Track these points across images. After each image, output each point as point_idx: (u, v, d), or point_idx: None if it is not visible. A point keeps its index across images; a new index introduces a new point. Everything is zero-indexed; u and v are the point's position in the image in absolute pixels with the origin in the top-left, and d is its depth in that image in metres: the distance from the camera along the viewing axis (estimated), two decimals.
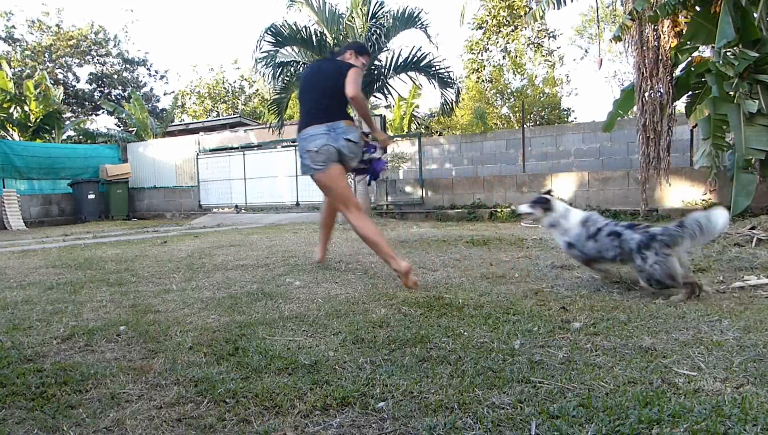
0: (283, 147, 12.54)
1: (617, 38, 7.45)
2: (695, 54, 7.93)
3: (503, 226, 7.88)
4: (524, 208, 3.53)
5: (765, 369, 1.77)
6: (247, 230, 8.43)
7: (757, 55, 6.17)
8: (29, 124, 15.75)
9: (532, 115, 18.92)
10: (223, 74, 28.91)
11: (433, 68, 10.22)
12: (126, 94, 24.41)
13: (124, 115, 18.41)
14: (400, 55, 10.03)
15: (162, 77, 31.37)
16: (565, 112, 20.48)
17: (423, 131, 19.38)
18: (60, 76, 23.89)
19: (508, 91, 20.21)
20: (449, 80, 10.41)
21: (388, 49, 10.07)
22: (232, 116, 20.16)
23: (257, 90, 27.01)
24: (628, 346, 2.05)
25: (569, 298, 2.88)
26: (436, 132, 20.23)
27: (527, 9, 17.40)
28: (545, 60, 21.53)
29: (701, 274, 3.43)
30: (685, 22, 7.29)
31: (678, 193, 8.64)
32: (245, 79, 27.63)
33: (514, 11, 19.75)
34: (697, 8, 6.97)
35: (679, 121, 8.52)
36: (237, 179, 13.44)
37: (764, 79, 6.27)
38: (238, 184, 13.44)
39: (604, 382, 1.71)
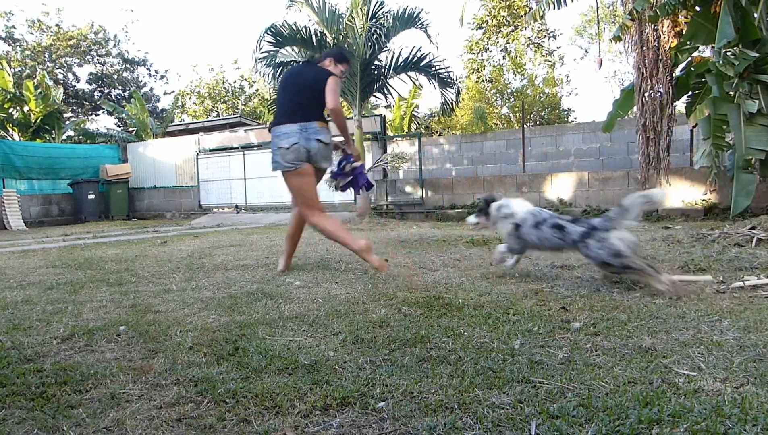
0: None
1: (617, 38, 7.46)
2: (695, 54, 7.94)
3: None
4: (471, 220, 3.80)
5: (765, 369, 1.77)
6: (247, 230, 8.43)
7: (757, 55, 6.17)
8: (29, 124, 15.75)
9: (532, 115, 18.92)
10: (223, 74, 28.95)
11: (433, 68, 10.23)
12: (126, 94, 24.42)
13: (124, 115, 18.41)
14: (400, 55, 10.04)
15: (162, 77, 31.39)
16: (565, 112, 20.48)
17: (423, 131, 19.38)
18: (60, 76, 23.88)
19: (508, 91, 20.21)
20: (449, 80, 10.42)
21: (388, 49, 10.08)
22: (232, 116, 20.16)
23: (257, 90, 27.01)
24: (628, 346, 2.05)
25: (569, 298, 2.88)
26: (436, 132, 20.23)
27: (527, 9, 17.41)
28: (545, 60, 21.54)
29: (701, 274, 3.43)
30: (685, 22, 7.29)
31: (678, 193, 8.64)
32: (245, 79, 27.64)
33: (514, 11, 19.76)
34: (697, 8, 6.98)
35: (679, 121, 8.52)
36: (237, 179, 13.45)
37: (764, 79, 6.27)
38: (238, 184, 13.45)
39: (604, 382, 1.71)
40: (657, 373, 1.77)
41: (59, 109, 16.73)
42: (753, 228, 4.86)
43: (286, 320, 2.57)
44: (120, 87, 25.41)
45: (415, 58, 10.05)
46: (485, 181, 10.67)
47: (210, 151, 14.15)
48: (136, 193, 15.41)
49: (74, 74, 24.83)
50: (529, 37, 21.33)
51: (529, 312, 2.58)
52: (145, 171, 15.38)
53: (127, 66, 26.12)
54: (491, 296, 2.96)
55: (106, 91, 25.47)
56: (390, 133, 15.13)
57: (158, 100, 27.19)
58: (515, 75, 20.76)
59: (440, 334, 2.25)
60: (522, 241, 3.44)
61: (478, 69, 21.09)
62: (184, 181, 14.75)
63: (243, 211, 13.11)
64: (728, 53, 6.36)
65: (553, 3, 8.22)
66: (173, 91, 31.96)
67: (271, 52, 9.97)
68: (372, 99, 12.08)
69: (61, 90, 17.71)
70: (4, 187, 12.92)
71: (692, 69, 7.68)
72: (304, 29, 9.75)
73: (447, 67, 10.26)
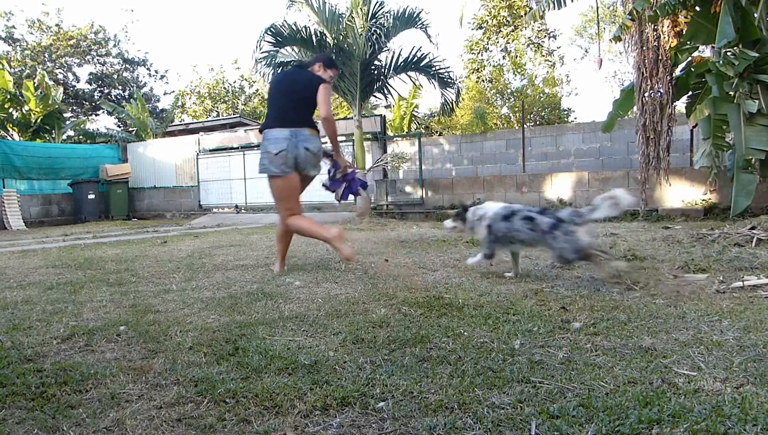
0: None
1: (617, 38, 7.46)
2: (695, 54, 7.94)
3: None
4: (448, 224, 3.87)
5: (765, 369, 1.77)
6: (247, 230, 8.43)
7: (757, 55, 6.17)
8: (29, 124, 15.75)
9: (532, 115, 18.91)
10: (223, 74, 28.92)
11: (433, 68, 10.23)
12: (126, 94, 24.41)
13: (124, 115, 18.41)
14: (400, 55, 10.04)
15: (162, 77, 31.39)
16: (565, 112, 20.47)
17: (423, 131, 19.39)
18: (60, 76, 23.88)
19: (508, 91, 20.20)
20: (449, 80, 10.42)
21: (388, 49, 10.08)
22: (232, 116, 20.16)
23: (257, 90, 27.00)
24: (628, 346, 2.05)
25: (569, 298, 2.88)
26: (436, 132, 20.23)
27: (527, 9, 17.41)
28: (545, 60, 21.54)
29: (701, 274, 3.43)
30: (685, 22, 7.29)
31: (678, 193, 8.64)
32: (245, 79, 27.63)
33: (514, 11, 19.76)
34: (697, 8, 6.97)
35: (679, 121, 8.52)
36: (237, 179, 13.45)
37: (764, 79, 6.27)
38: (238, 184, 13.45)
39: (604, 382, 1.71)
40: (657, 373, 1.77)
41: (59, 109, 16.73)
42: (753, 228, 4.86)
43: (286, 320, 2.57)
44: (120, 87, 25.41)
45: (415, 58, 10.05)
46: (485, 181, 10.67)
47: (210, 151, 14.15)
48: (136, 193, 15.41)
49: (74, 74, 24.83)
50: (529, 37, 21.34)
51: (529, 312, 2.58)
52: (145, 171, 15.38)
53: (127, 66, 26.12)
54: (491, 296, 2.96)
55: (106, 91, 25.46)
56: (390, 133, 15.13)
57: (158, 100, 27.21)
58: (515, 75, 20.76)
59: (440, 334, 2.25)
60: (496, 239, 3.50)
61: (478, 69, 21.09)
62: (184, 181, 14.75)
63: (243, 211, 13.11)
64: (728, 53, 6.36)
65: (553, 3, 8.21)
66: (173, 91, 31.99)
67: (271, 52, 9.97)
68: (372, 99, 12.09)
69: (61, 90, 17.72)
70: (4, 187, 12.92)
71: (692, 69, 7.67)
72: (304, 29, 9.75)
73: (447, 67, 10.27)
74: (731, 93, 6.51)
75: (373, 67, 10.14)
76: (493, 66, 21.04)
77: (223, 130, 15.24)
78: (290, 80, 4.06)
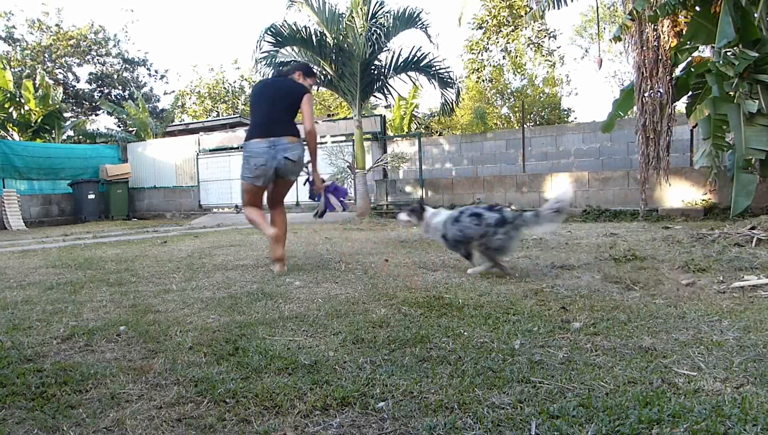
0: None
1: (617, 38, 7.46)
2: (695, 54, 7.94)
3: None
4: (402, 217, 4.07)
5: (765, 369, 1.77)
6: (247, 230, 8.43)
7: (757, 55, 6.17)
8: (29, 124, 15.75)
9: (532, 115, 18.91)
10: (223, 74, 28.88)
11: (433, 68, 10.22)
12: (126, 94, 24.41)
13: (124, 115, 18.40)
14: (400, 55, 10.04)
15: (162, 77, 31.40)
16: (565, 112, 20.47)
17: (423, 131, 19.39)
18: (60, 76, 23.88)
19: (508, 91, 20.21)
20: (449, 80, 10.42)
21: (388, 49, 10.08)
22: (232, 116, 20.13)
23: None
24: (628, 346, 2.05)
25: (569, 298, 2.88)
26: (436, 132, 20.23)
27: (528, 9, 17.41)
28: (545, 60, 21.54)
29: (701, 274, 3.43)
30: (685, 22, 7.29)
31: (678, 193, 8.64)
32: (245, 79, 27.62)
33: (515, 11, 19.76)
34: (697, 8, 6.97)
35: (679, 121, 8.52)
36: (237, 179, 13.31)
37: (764, 79, 6.27)
38: (238, 184, 13.33)
39: (604, 382, 1.71)
40: (657, 373, 1.77)
41: (59, 109, 16.73)
42: (753, 228, 4.86)
43: (286, 320, 2.57)
44: (120, 87, 25.40)
45: (415, 58, 10.05)
46: (485, 181, 10.67)
47: (210, 151, 14.15)
48: (136, 193, 15.41)
49: (74, 74, 24.83)
50: (529, 37, 21.33)
51: (529, 312, 2.58)
52: (145, 171, 15.38)
53: (127, 66, 26.11)
54: (491, 296, 2.96)
55: (106, 91, 25.46)
56: (390, 133, 15.14)
57: (158, 100, 27.20)
58: (515, 75, 20.77)
59: (440, 334, 2.25)
60: (454, 244, 3.74)
61: (478, 69, 21.09)
62: (184, 181, 14.75)
63: (243, 211, 13.12)
64: (728, 53, 6.36)
65: (553, 3, 8.21)
66: (173, 91, 31.98)
67: (271, 52, 9.97)
68: (372, 99, 12.08)
69: (61, 90, 17.71)
70: (4, 187, 12.92)
71: (692, 69, 7.67)
72: (304, 29, 9.75)
73: (447, 67, 10.27)
74: (731, 93, 6.51)
75: (373, 67, 10.14)
76: (493, 66, 21.04)
77: (223, 130, 15.24)
78: (272, 88, 4.14)
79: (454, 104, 10.95)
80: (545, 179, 10.05)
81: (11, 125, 15.93)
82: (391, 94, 10.99)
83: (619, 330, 2.26)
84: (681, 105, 9.10)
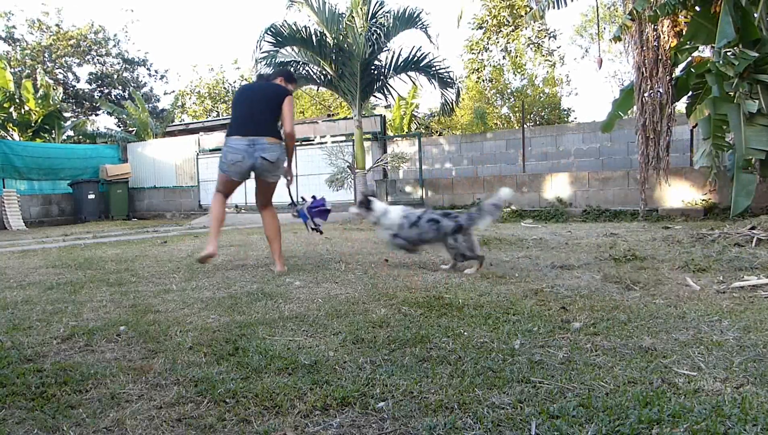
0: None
1: (617, 38, 7.46)
2: (695, 54, 7.94)
3: (503, 226, 7.88)
4: (353, 210, 4.24)
5: (765, 369, 1.77)
6: (247, 230, 8.43)
7: (757, 55, 6.17)
8: (29, 124, 15.75)
9: (532, 115, 18.91)
10: (223, 74, 28.89)
11: (434, 68, 10.22)
12: (126, 93, 24.40)
13: (124, 115, 18.40)
14: (400, 55, 10.04)
15: (162, 77, 31.38)
16: (565, 112, 20.47)
17: (423, 131, 19.38)
18: (60, 76, 23.87)
19: (508, 91, 20.20)
20: (449, 80, 10.41)
21: (388, 49, 10.08)
22: None
23: None
24: (628, 346, 2.05)
25: (569, 298, 2.88)
26: (436, 132, 20.22)
27: (528, 9, 17.40)
28: (545, 60, 21.54)
29: (701, 274, 3.43)
30: (685, 22, 7.29)
31: (678, 193, 8.64)
32: (245, 79, 27.59)
33: (515, 11, 19.76)
34: (697, 8, 6.98)
35: (678, 121, 8.52)
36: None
37: (764, 79, 6.27)
38: None
39: (604, 382, 1.71)
40: (657, 373, 1.77)
41: (59, 109, 16.72)
42: (753, 228, 4.86)
43: (286, 320, 2.57)
44: (120, 87, 25.39)
45: (415, 58, 10.04)
46: (485, 181, 10.68)
47: (210, 151, 14.15)
48: (136, 193, 15.40)
49: (74, 74, 24.82)
50: (529, 37, 21.33)
51: (529, 312, 2.58)
52: (145, 171, 15.37)
53: (127, 66, 26.10)
54: (491, 296, 2.96)
55: (106, 91, 25.45)
56: (390, 133, 15.13)
57: (158, 100, 27.19)
58: (515, 75, 20.76)
59: (440, 334, 2.25)
60: (403, 241, 3.99)
61: (478, 69, 21.08)
62: (184, 181, 14.75)
63: (243, 211, 13.11)
64: (728, 53, 6.36)
65: (554, 2, 8.21)
66: (173, 91, 31.96)
67: (271, 52, 9.96)
68: (372, 99, 12.07)
69: (61, 90, 17.71)
70: (4, 187, 12.92)
71: (692, 69, 7.68)
72: (304, 29, 9.74)
73: (447, 67, 10.26)
74: (731, 93, 6.51)
75: (373, 67, 10.14)
76: (493, 66, 21.04)
77: (223, 130, 15.15)
78: (255, 90, 4.22)
79: (454, 104, 10.94)
80: (545, 179, 10.05)
81: (11, 125, 15.92)
82: (391, 94, 10.99)
83: (619, 330, 2.26)
84: (681, 105, 9.11)
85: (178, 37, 50.38)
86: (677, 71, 7.79)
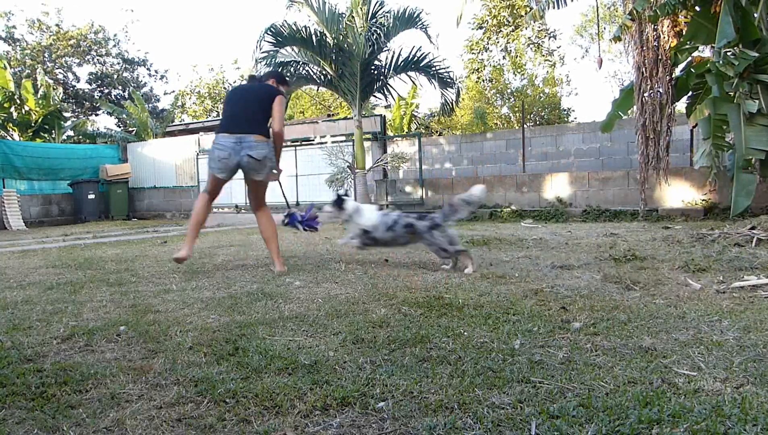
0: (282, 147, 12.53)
1: (617, 38, 7.46)
2: (695, 54, 7.94)
3: (503, 226, 7.89)
4: (327, 209, 4.32)
5: (765, 369, 1.77)
6: (248, 230, 8.43)
7: (757, 55, 6.17)
8: (29, 124, 15.75)
9: (532, 115, 18.91)
10: (223, 74, 28.86)
11: (433, 68, 10.23)
12: (126, 93, 24.40)
13: (124, 115, 18.39)
14: (400, 55, 10.04)
15: (162, 77, 31.37)
16: (565, 112, 20.47)
17: (423, 131, 19.38)
18: (60, 76, 23.87)
19: (508, 91, 20.21)
20: (449, 80, 10.42)
21: (388, 49, 10.08)
22: None
23: None
24: (628, 346, 2.05)
25: (569, 298, 2.88)
26: (436, 132, 20.22)
27: (528, 9, 17.40)
28: (545, 60, 21.54)
29: (701, 274, 3.43)
30: (685, 22, 7.29)
31: (678, 193, 8.64)
32: (245, 80, 27.59)
33: (515, 11, 19.76)
34: (697, 8, 6.97)
35: (678, 121, 8.52)
36: (237, 179, 13.22)
37: (764, 79, 6.27)
38: (238, 184, 13.28)
39: (604, 382, 1.71)
40: (657, 373, 1.77)
41: (59, 109, 16.71)
42: (753, 228, 4.86)
43: (286, 320, 2.57)
44: (120, 87, 25.39)
45: (415, 58, 10.05)
46: (485, 181, 10.67)
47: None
48: (136, 193, 15.40)
49: (74, 74, 24.82)
50: (529, 37, 21.33)
51: (529, 312, 2.58)
52: (145, 171, 15.37)
53: (127, 66, 26.10)
54: (491, 296, 2.96)
55: (106, 91, 25.45)
56: (390, 133, 15.13)
57: (158, 100, 27.18)
58: (515, 75, 20.77)
59: (440, 334, 2.25)
60: (374, 240, 4.12)
61: (478, 69, 21.09)
62: (184, 181, 14.75)
63: (243, 211, 13.11)
64: (728, 53, 6.36)
65: (554, 2, 8.21)
66: (173, 91, 31.95)
67: (271, 52, 9.97)
68: (372, 99, 12.07)
69: (61, 90, 17.71)
70: (4, 187, 12.91)
71: (692, 69, 7.67)
72: (304, 29, 9.75)
73: (447, 67, 10.27)
74: (731, 93, 6.51)
75: (373, 67, 10.14)
76: (493, 66, 21.04)
77: None
78: (246, 89, 4.25)
79: (454, 104, 10.95)
80: (545, 179, 10.04)
81: (11, 125, 15.92)
82: (391, 94, 11.01)
83: (619, 330, 2.26)
84: (681, 105, 9.11)
85: (178, 37, 50.42)
86: (677, 71, 7.79)
